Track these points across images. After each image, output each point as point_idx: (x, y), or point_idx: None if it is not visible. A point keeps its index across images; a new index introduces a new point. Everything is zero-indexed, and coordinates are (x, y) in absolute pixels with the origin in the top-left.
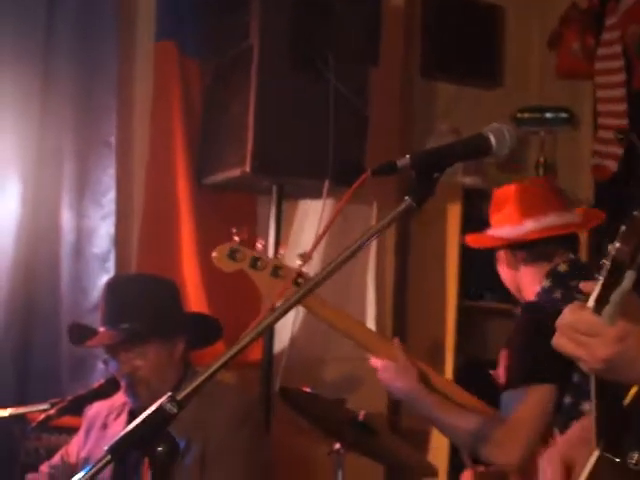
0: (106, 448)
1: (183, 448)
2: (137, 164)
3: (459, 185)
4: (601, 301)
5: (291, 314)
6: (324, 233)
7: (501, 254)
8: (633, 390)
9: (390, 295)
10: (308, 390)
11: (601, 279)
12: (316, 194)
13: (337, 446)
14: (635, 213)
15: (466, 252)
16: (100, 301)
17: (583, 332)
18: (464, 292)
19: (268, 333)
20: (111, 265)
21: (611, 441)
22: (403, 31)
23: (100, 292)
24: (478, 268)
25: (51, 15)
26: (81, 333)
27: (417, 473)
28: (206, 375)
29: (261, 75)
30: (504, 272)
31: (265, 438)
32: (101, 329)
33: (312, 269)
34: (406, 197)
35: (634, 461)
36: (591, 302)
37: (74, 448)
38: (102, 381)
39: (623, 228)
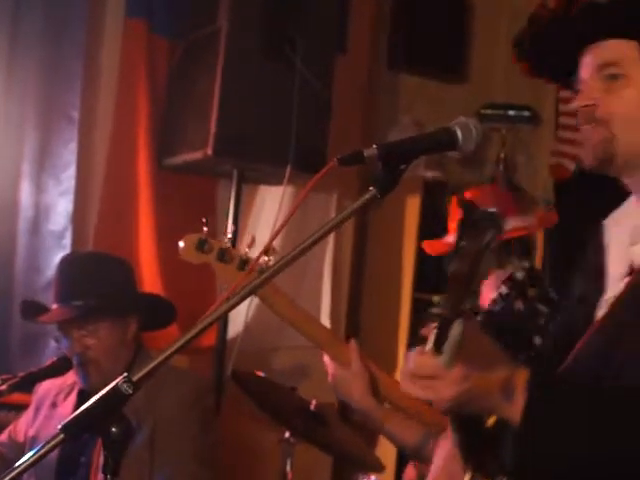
0: (59, 427)
1: (134, 428)
2: (99, 141)
3: (419, 178)
4: (436, 346)
5: (246, 301)
6: (285, 223)
7: None
8: (493, 418)
9: (346, 285)
10: (261, 374)
11: (434, 330)
12: (277, 180)
13: (287, 435)
14: (455, 267)
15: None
16: (54, 278)
17: (427, 376)
18: (419, 285)
19: (222, 319)
20: (67, 242)
21: (478, 465)
22: (371, 21)
23: (55, 270)
24: (434, 261)
25: None
26: (34, 309)
27: (365, 467)
28: (163, 357)
29: (228, 58)
30: None
31: (214, 422)
32: (54, 306)
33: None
34: (371, 187)
35: None
36: (429, 346)
37: (22, 426)
38: (54, 359)
39: (450, 280)
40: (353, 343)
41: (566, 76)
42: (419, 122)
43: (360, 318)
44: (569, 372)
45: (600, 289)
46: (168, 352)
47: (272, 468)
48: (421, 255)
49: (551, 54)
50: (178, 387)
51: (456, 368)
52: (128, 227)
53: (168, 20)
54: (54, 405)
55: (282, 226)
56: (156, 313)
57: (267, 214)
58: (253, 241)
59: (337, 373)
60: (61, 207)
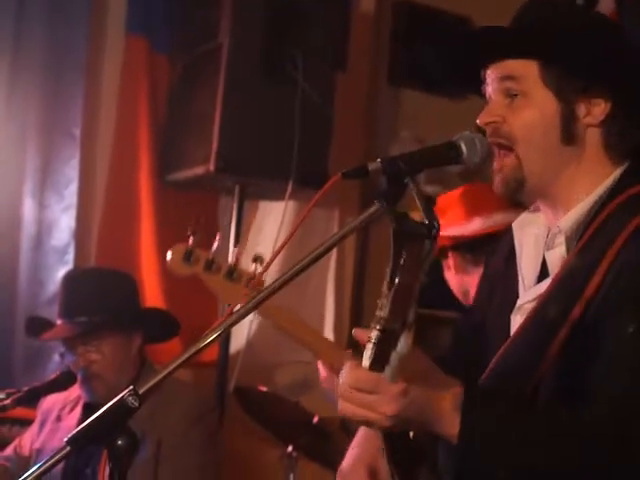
0: (66, 439)
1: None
2: (100, 157)
3: (420, 193)
4: (376, 361)
5: (248, 316)
6: (288, 239)
7: (449, 260)
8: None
9: (349, 299)
10: (263, 389)
11: (373, 341)
12: (278, 196)
13: (290, 449)
14: (397, 280)
15: None
16: (59, 294)
17: (366, 390)
18: (420, 299)
19: (224, 334)
20: (70, 258)
21: (405, 473)
22: (372, 37)
23: (58, 285)
24: (434, 276)
25: (22, 1)
26: (38, 326)
27: None
28: (168, 370)
29: (229, 74)
30: (452, 278)
31: (217, 437)
32: (58, 321)
33: (269, 272)
34: (376, 201)
35: None
36: (366, 362)
37: (27, 440)
38: (58, 373)
39: (391, 291)
40: (349, 352)
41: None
42: (420, 138)
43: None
44: (491, 382)
45: (514, 296)
46: (173, 366)
47: None
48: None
49: (465, 69)
50: (182, 401)
51: (395, 385)
52: (130, 242)
53: (169, 37)
54: (59, 419)
55: (284, 244)
56: (160, 327)
57: (269, 230)
58: (267, 266)
59: (328, 376)
60: (64, 223)
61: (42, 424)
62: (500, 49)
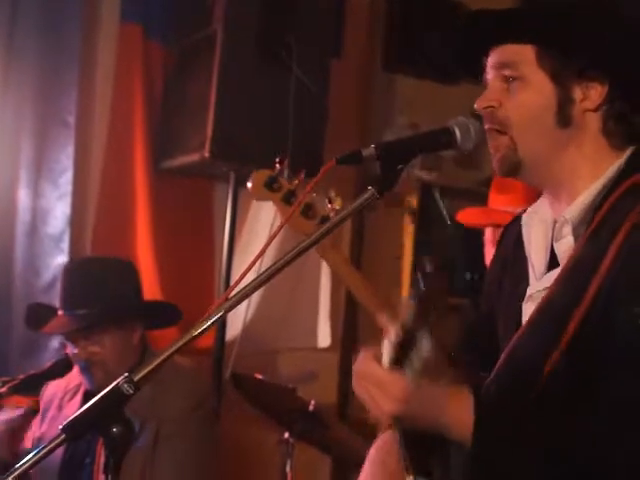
0: (61, 427)
1: (138, 428)
2: (95, 145)
3: (416, 179)
4: (396, 361)
5: (244, 302)
6: (285, 222)
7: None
8: None
9: (344, 287)
10: (259, 377)
11: (393, 340)
12: None
13: (286, 435)
14: (423, 286)
15: (421, 246)
16: (59, 284)
17: (372, 384)
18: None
19: (220, 320)
20: (65, 246)
21: (420, 466)
22: (367, 23)
23: (53, 273)
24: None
25: None
26: (39, 315)
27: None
28: (164, 357)
29: (223, 61)
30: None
31: (215, 425)
32: (59, 312)
33: (267, 258)
34: (369, 187)
35: None
36: (385, 360)
37: (30, 432)
38: (54, 361)
39: (415, 294)
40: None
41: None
42: (415, 124)
43: (358, 320)
44: (501, 375)
45: (524, 284)
46: (169, 352)
47: (272, 469)
48: (419, 257)
49: (463, 55)
50: (182, 388)
51: (402, 388)
52: (126, 229)
53: (163, 25)
54: (60, 407)
55: (282, 225)
56: (161, 315)
57: (264, 216)
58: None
59: None
60: (59, 211)
61: (44, 414)
62: (495, 35)
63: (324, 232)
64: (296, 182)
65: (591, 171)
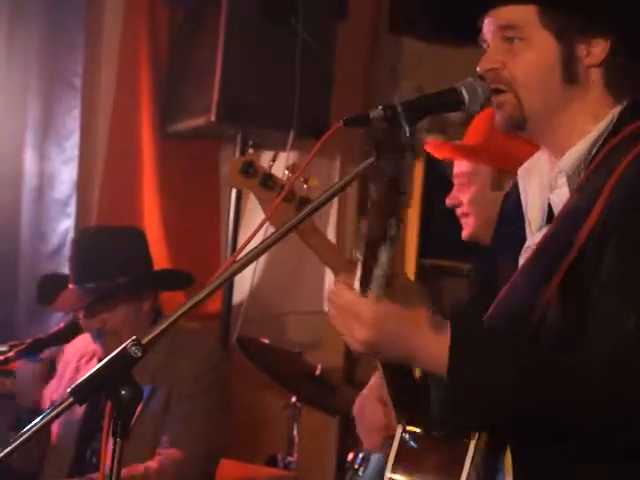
0: (69, 390)
1: (149, 393)
2: (102, 108)
3: (422, 142)
4: (364, 281)
5: (251, 266)
6: (292, 184)
7: (482, 172)
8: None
9: (350, 249)
10: (266, 341)
11: (360, 258)
12: (280, 145)
13: (293, 399)
14: (374, 193)
15: (428, 210)
16: (69, 256)
17: (345, 311)
18: (424, 251)
19: (227, 284)
20: (72, 210)
21: (411, 415)
22: None
23: (60, 237)
24: (439, 227)
25: None
26: (48, 291)
27: None
28: (171, 320)
29: (229, 24)
30: (479, 193)
31: (227, 387)
32: (70, 285)
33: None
34: (375, 149)
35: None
36: (356, 283)
37: (47, 394)
38: (61, 325)
39: (370, 205)
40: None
41: (470, 34)
42: (421, 87)
43: None
44: (493, 316)
45: (522, 238)
46: (176, 315)
47: (279, 433)
48: (425, 221)
49: (456, 14)
50: (196, 354)
51: (374, 309)
52: (132, 193)
53: None
54: (77, 369)
55: (290, 185)
56: (174, 280)
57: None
58: (277, 154)
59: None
60: (65, 175)
61: (61, 377)
62: None
63: (329, 196)
64: (272, 164)
65: (589, 122)
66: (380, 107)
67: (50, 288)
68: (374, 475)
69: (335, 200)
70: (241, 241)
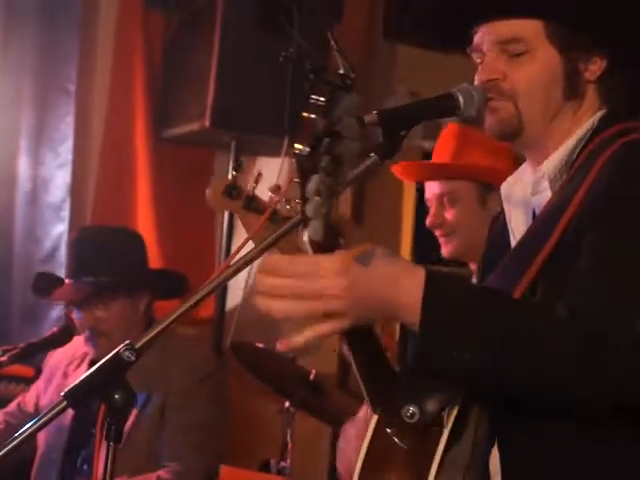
0: (62, 394)
1: (145, 399)
2: (96, 113)
3: (417, 148)
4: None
5: (245, 271)
6: (287, 187)
7: (464, 190)
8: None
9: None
10: (260, 345)
11: (298, 201)
12: (274, 151)
13: (287, 405)
14: (305, 115)
15: (422, 216)
16: (66, 253)
17: (299, 275)
18: (418, 255)
19: (221, 289)
20: (66, 214)
21: (385, 402)
22: None
23: (54, 242)
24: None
25: None
26: (45, 284)
27: None
28: (165, 324)
29: (224, 29)
30: (465, 212)
31: (223, 394)
32: (66, 281)
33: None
34: (371, 154)
35: (409, 414)
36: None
37: (32, 396)
38: (55, 330)
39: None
40: None
41: (458, 43)
42: (415, 92)
43: None
44: None
45: (506, 242)
46: (170, 319)
47: (272, 438)
48: (420, 224)
49: (452, 25)
50: (190, 361)
51: (334, 260)
52: (126, 198)
53: None
54: (65, 375)
55: (285, 191)
56: (168, 285)
57: (266, 186)
58: (260, 176)
59: None
60: (59, 179)
61: (48, 380)
62: (504, 7)
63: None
64: (254, 186)
65: (573, 130)
66: (375, 112)
67: (46, 283)
68: None
69: None
70: (235, 246)
